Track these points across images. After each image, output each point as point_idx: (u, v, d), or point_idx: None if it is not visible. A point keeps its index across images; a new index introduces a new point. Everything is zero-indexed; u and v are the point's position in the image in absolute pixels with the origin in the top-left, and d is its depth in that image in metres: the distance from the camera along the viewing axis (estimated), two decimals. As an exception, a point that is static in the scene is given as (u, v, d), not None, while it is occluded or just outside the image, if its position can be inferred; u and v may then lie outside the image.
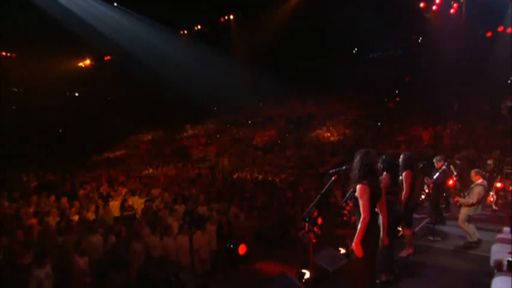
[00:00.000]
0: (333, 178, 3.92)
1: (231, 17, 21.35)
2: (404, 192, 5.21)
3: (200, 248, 6.96)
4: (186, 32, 22.23)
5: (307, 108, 24.18)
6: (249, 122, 25.31)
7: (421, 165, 7.59)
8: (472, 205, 6.11)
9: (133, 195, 11.01)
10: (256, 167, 18.12)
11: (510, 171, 10.95)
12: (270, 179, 15.39)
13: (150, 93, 25.64)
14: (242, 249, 5.96)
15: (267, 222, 8.19)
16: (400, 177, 5.14)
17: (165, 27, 20.23)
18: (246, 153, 20.91)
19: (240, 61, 22.13)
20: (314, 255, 4.40)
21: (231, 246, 5.94)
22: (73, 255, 5.81)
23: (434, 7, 13.88)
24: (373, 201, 3.48)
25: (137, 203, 10.47)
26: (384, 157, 4.61)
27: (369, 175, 3.50)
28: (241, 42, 22.31)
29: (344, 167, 4.02)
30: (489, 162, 12.36)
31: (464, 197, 6.43)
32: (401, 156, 5.24)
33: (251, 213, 8.62)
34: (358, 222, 3.48)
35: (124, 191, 11.67)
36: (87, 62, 26.59)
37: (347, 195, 4.62)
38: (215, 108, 28.11)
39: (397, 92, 21.00)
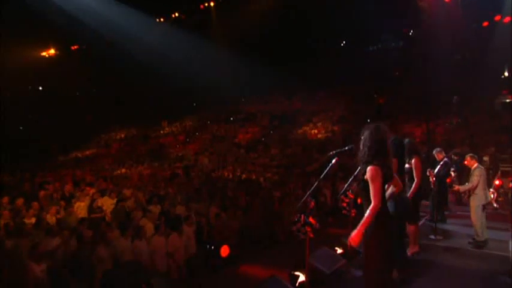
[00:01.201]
0: (333, 161, 3.53)
1: (211, 3, 20.76)
2: (415, 181, 4.90)
3: (176, 251, 6.48)
4: (162, 19, 21.45)
5: (293, 104, 24.06)
6: (231, 118, 24.97)
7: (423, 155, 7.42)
8: (474, 188, 5.94)
9: (103, 195, 10.46)
10: (238, 166, 17.81)
11: (507, 168, 10.98)
12: (254, 178, 15.02)
13: (124, 88, 24.76)
14: (225, 251, 5.51)
15: (252, 221, 7.83)
16: (407, 165, 4.83)
17: (140, 14, 19.42)
18: (228, 151, 20.55)
19: (221, 51, 21.61)
20: (310, 256, 4.01)
21: (212, 248, 5.47)
22: (27, 262, 5.22)
23: (429, -6, 13.87)
24: (383, 185, 3.09)
25: (107, 204, 10.00)
26: (392, 139, 4.31)
27: (380, 154, 3.11)
28: (222, 31, 21.80)
29: (347, 147, 3.64)
30: (485, 159, 12.41)
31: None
32: (406, 142, 4.92)
33: (234, 212, 8.22)
34: (367, 209, 3.08)
35: (92, 191, 11.13)
36: (52, 51, 25.24)
37: (346, 184, 4.26)
38: (194, 104, 27.52)
39: (387, 87, 20.98)
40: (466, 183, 6.22)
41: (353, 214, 4.34)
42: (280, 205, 9.50)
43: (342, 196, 4.18)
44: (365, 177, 3.12)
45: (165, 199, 9.96)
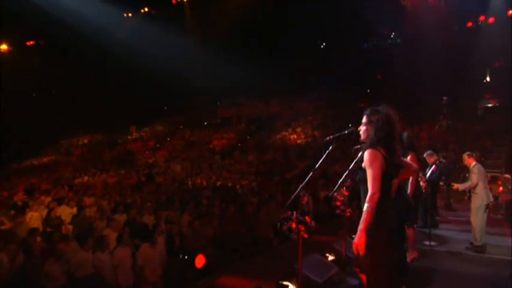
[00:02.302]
0: (330, 148, 3.21)
1: (185, -3, 20.41)
2: (411, 180, 4.66)
3: (146, 264, 5.98)
4: (130, 14, 20.73)
5: (271, 108, 23.92)
6: (205, 123, 24.53)
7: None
8: (474, 187, 5.82)
9: (61, 204, 9.85)
10: (213, 173, 17.48)
11: (495, 174, 11.14)
12: (230, 185, 14.73)
13: (88, 89, 23.76)
14: (200, 261, 5.07)
15: (229, 228, 7.47)
16: None
17: (107, 7, 18.67)
18: (202, 158, 20.16)
19: (195, 50, 21.20)
20: (298, 263, 3.64)
21: (186, 258, 5.01)
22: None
23: (412, -9, 14.09)
24: (386, 179, 2.76)
25: (65, 213, 9.46)
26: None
27: (386, 140, 2.80)
28: (196, 28, 21.39)
29: (347, 131, 3.32)
30: (471, 163, 12.58)
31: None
32: (404, 136, 4.69)
33: (209, 220, 7.84)
34: (364, 205, 2.75)
35: (48, 200, 10.50)
36: (4, 47, 23.67)
37: (339, 181, 3.94)
38: (165, 107, 26.89)
39: (368, 91, 21.24)
40: (465, 182, 6.09)
41: (348, 214, 4.04)
42: (259, 212, 9.30)
43: (335, 194, 3.85)
44: (363, 164, 2.80)
45: (131, 207, 9.48)
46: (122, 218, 8.34)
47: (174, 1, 20.30)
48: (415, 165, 3.35)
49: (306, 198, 2.99)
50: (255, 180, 15.57)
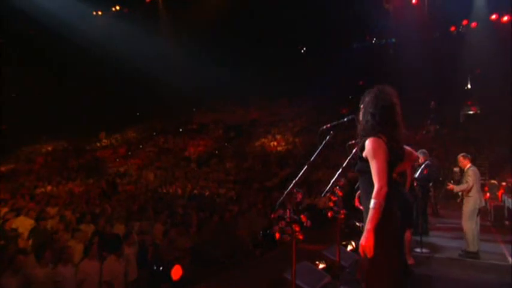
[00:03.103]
0: (327, 138, 2.98)
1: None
2: (407, 179, 4.50)
3: (114, 278, 5.58)
4: (100, 12, 20.09)
5: (250, 114, 23.80)
6: (180, 129, 24.09)
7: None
8: (469, 189, 5.75)
9: (18, 215, 9.27)
10: (189, 181, 17.16)
11: (482, 181, 11.25)
12: (207, 194, 14.47)
13: (52, 91, 22.82)
14: (176, 272, 4.71)
15: (208, 238, 7.19)
16: None
17: (75, 4, 18.05)
18: (176, 166, 19.82)
19: (170, 51, 20.82)
20: (288, 272, 3.40)
21: (160, 269, 4.66)
22: None
23: (395, -6, 14.32)
24: (391, 167, 2.55)
25: (24, 225, 8.84)
26: None
27: (386, 123, 2.56)
28: (171, 28, 21.03)
29: (346, 118, 3.09)
30: (455, 169, 12.77)
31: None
32: None
33: (186, 230, 7.57)
34: (366, 200, 2.53)
35: (4, 210, 9.84)
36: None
37: (332, 180, 3.72)
38: (138, 113, 26.25)
39: (350, 97, 21.37)
40: (461, 184, 6.00)
41: (342, 216, 3.81)
42: (239, 221, 9.11)
43: (329, 194, 3.62)
44: (363, 154, 2.56)
45: (100, 217, 9.07)
46: (88, 228, 7.96)
47: (147, 0, 19.86)
48: (415, 153, 3.14)
49: (300, 195, 2.73)
50: (234, 189, 15.38)
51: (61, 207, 10.86)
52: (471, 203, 5.73)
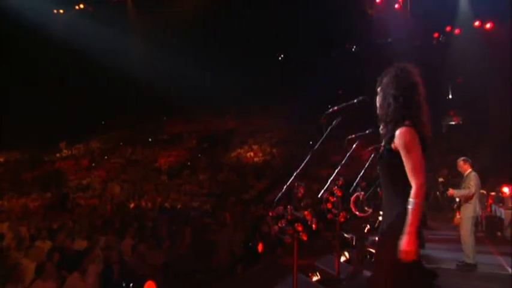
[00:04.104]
0: (334, 123, 2.74)
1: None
2: None
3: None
4: (62, 11, 19.32)
5: (225, 123, 23.58)
6: (150, 139, 23.51)
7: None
8: (471, 196, 5.61)
9: None
10: (159, 195, 16.79)
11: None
12: (179, 207, 14.18)
13: (5, 96, 21.68)
14: (149, 289, 4.32)
15: (182, 252, 6.87)
16: None
17: (35, 2, 17.29)
18: (146, 178, 19.35)
19: (141, 56, 20.34)
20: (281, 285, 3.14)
21: (131, 286, 4.25)
22: None
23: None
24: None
25: None
26: None
27: (412, 106, 2.35)
28: (142, 28, 20.56)
29: (356, 100, 2.85)
30: (440, 180, 12.91)
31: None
32: None
33: (158, 244, 7.20)
34: (395, 198, 2.30)
35: None
36: None
37: (330, 179, 3.48)
38: (103, 122, 25.43)
39: (329, 106, 21.49)
40: (462, 189, 5.86)
41: (342, 219, 3.56)
42: (215, 235, 8.84)
43: (327, 195, 3.36)
44: (391, 145, 2.33)
45: (59, 233, 8.62)
46: (45, 245, 7.44)
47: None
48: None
49: (302, 190, 2.46)
50: (208, 202, 15.15)
51: (13, 222, 10.24)
52: (470, 211, 5.61)
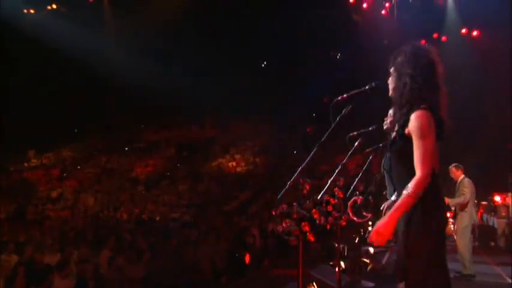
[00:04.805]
0: (344, 111, 2.62)
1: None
2: None
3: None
4: (32, 11, 18.76)
5: (206, 132, 23.45)
6: (126, 148, 23.11)
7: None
8: (466, 203, 5.59)
9: None
10: (135, 206, 16.51)
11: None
12: (158, 218, 13.97)
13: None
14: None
15: (163, 265, 6.70)
16: None
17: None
18: (121, 188, 19.02)
19: (117, 59, 19.94)
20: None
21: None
22: None
23: (364, 5, 14.67)
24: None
25: None
26: None
27: (430, 88, 2.25)
28: (118, 30, 20.22)
29: (368, 86, 2.71)
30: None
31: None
32: None
33: (138, 256, 6.99)
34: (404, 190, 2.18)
35: None
36: None
37: (330, 180, 3.33)
38: (75, 130, 24.86)
39: (314, 114, 21.69)
40: (457, 196, 5.83)
41: (344, 223, 3.43)
42: (197, 247, 8.68)
43: (327, 196, 3.21)
44: (405, 131, 2.23)
45: (26, 246, 8.34)
46: (11, 258, 7.33)
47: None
48: None
49: (308, 186, 2.31)
50: (188, 213, 15.08)
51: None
52: (467, 219, 5.58)
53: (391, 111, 4.24)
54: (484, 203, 10.14)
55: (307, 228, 2.18)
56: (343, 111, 2.67)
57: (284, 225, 2.20)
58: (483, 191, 11.14)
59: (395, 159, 2.32)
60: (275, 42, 20.75)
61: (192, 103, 22.09)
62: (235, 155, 21.35)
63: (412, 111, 2.20)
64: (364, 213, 4.17)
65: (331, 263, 5.00)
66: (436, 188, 2.19)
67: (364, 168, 4.52)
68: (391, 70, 2.41)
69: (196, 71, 21.19)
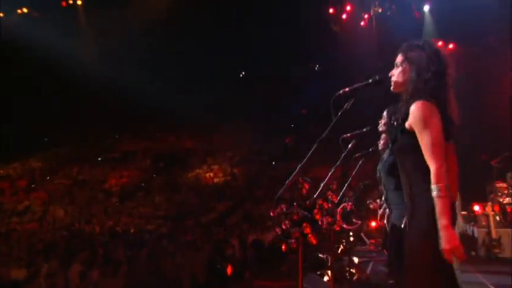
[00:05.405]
0: (346, 106, 2.53)
1: (79, 2, 18.59)
2: None
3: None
4: (1, 14, 18.03)
5: (183, 142, 23.08)
6: (99, 158, 22.49)
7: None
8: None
9: None
10: (109, 218, 16.12)
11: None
12: (133, 231, 13.62)
13: None
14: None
15: (140, 279, 6.46)
16: None
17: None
18: (94, 200, 18.50)
19: (90, 65, 19.52)
20: None
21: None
22: None
23: (344, 15, 14.89)
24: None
25: None
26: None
27: (436, 87, 2.18)
28: (93, 36, 19.79)
29: (371, 80, 2.62)
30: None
31: None
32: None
33: (114, 269, 6.73)
34: (413, 195, 2.14)
35: None
36: None
37: (322, 183, 3.24)
38: (45, 139, 24.06)
39: (292, 125, 21.77)
40: None
41: (337, 228, 3.34)
42: (175, 259, 8.46)
43: (320, 200, 3.11)
44: (406, 124, 2.16)
45: None
46: None
47: (64, 3, 18.44)
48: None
49: (307, 186, 2.21)
50: (164, 225, 14.89)
51: None
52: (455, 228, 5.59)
53: (385, 113, 4.22)
54: (463, 212, 10.29)
55: (308, 230, 2.06)
56: (345, 106, 2.57)
57: (283, 226, 2.07)
58: (462, 201, 11.35)
59: (398, 158, 2.25)
60: (255, 52, 20.82)
61: (170, 112, 21.78)
62: (213, 166, 21.06)
63: (413, 102, 2.14)
64: (354, 220, 4.09)
65: (318, 273, 4.89)
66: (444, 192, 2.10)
67: (353, 174, 4.42)
68: (397, 62, 2.35)
69: (175, 80, 20.92)
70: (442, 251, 1.95)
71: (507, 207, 8.78)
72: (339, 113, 2.54)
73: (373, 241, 9.92)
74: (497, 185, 9.46)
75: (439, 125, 2.09)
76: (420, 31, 14.28)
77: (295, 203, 2.10)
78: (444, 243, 1.94)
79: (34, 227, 14.61)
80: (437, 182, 1.99)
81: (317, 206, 2.89)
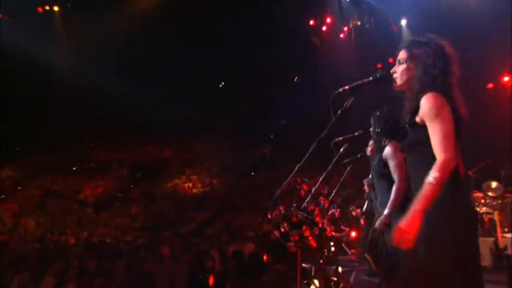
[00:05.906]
0: (346, 104, 2.47)
1: (55, 7, 18.15)
2: (396, 185, 4.05)
3: None
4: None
5: (161, 152, 22.76)
6: (74, 168, 21.91)
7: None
8: None
9: None
10: (83, 229, 15.66)
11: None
12: (109, 241, 13.29)
13: None
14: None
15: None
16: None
17: None
18: (68, 211, 17.99)
19: (66, 72, 19.01)
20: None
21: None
22: None
23: (324, 27, 15.05)
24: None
25: None
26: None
27: (442, 82, 2.19)
28: (70, 43, 19.30)
29: (372, 77, 2.57)
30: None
31: None
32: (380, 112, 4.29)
33: (90, 281, 6.47)
34: (419, 186, 2.03)
35: None
36: None
37: (313, 188, 3.18)
38: (17, 148, 23.26)
39: (272, 136, 21.82)
40: None
41: (330, 234, 3.23)
42: (154, 270, 8.25)
43: (312, 205, 3.03)
44: (417, 118, 2.12)
45: None
46: None
47: (40, 9, 17.95)
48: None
49: (305, 187, 2.14)
50: (142, 236, 14.64)
51: None
52: None
53: (371, 142, 4.23)
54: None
55: (307, 233, 1.98)
56: (345, 104, 2.52)
57: (282, 229, 1.98)
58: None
59: (409, 155, 2.20)
60: (233, 63, 20.80)
61: (148, 122, 21.47)
62: (192, 176, 20.87)
63: (423, 95, 2.11)
64: (343, 227, 4.02)
65: (305, 281, 4.81)
66: (462, 185, 2.04)
67: (341, 180, 4.37)
68: (401, 58, 2.33)
69: (154, 89, 20.68)
70: (397, 227, 1.89)
71: (484, 216, 8.88)
72: (339, 112, 2.48)
73: (353, 251, 9.90)
74: (474, 194, 9.59)
75: (451, 117, 2.04)
76: (398, 44, 14.60)
77: (294, 205, 2.02)
78: (404, 223, 1.88)
79: (4, 239, 14.03)
80: (437, 171, 1.92)
81: (310, 211, 2.83)
